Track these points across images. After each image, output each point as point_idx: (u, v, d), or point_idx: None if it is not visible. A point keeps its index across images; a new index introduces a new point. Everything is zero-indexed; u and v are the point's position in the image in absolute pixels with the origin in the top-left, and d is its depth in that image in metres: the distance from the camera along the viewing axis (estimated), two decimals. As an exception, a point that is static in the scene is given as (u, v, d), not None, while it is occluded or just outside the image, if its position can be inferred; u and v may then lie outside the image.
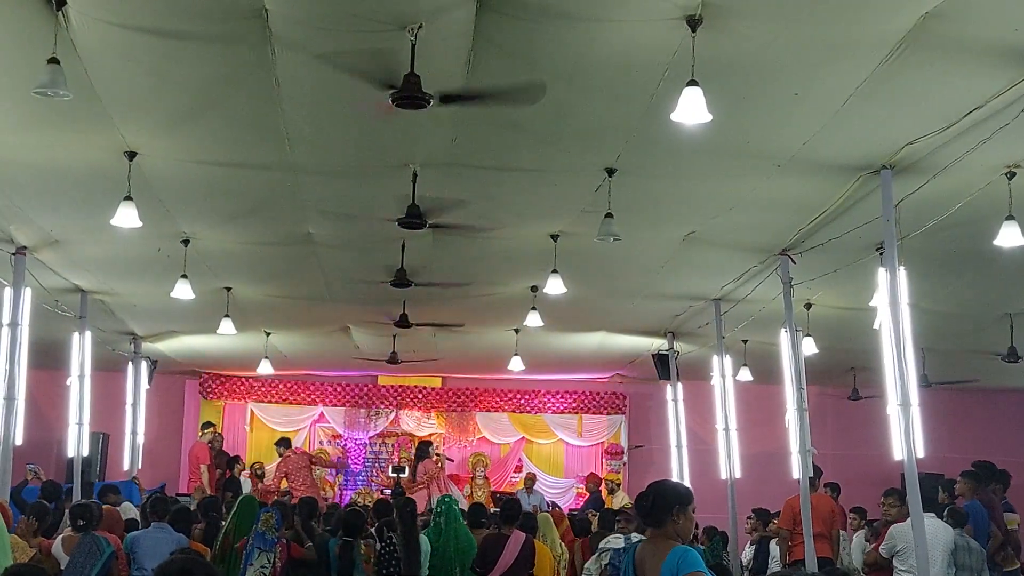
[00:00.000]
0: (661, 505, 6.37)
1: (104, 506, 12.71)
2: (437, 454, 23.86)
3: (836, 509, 15.29)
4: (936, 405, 17.40)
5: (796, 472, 13.65)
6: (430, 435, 25.78)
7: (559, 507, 20.34)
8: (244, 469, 22.10)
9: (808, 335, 16.09)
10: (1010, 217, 10.62)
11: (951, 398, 22.49)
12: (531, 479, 23.28)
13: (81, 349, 17.08)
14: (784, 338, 14.16)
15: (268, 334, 20.47)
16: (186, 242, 13.65)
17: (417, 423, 26.03)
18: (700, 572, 6.13)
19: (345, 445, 25.58)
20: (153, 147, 10.33)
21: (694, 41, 7.49)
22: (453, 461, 24.50)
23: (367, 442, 25.76)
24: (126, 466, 21.34)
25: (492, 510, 18.20)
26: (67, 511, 12.25)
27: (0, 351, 13.89)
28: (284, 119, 9.55)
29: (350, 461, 25.47)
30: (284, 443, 23.34)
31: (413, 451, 24.34)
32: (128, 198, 10.73)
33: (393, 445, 25.75)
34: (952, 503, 13.67)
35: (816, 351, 16.73)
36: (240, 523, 12.42)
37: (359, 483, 25.19)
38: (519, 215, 12.64)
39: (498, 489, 23.88)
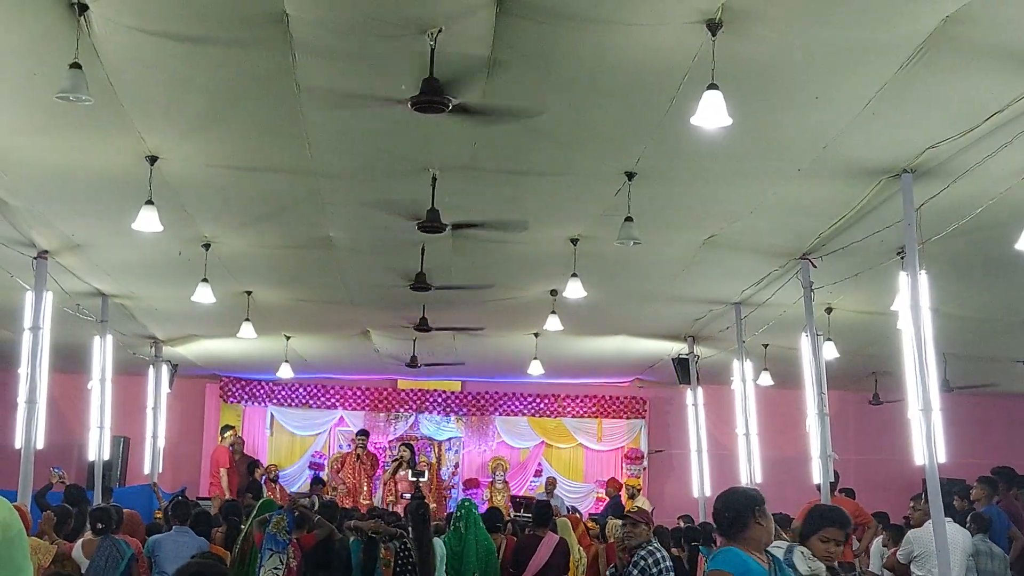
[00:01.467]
0: (738, 512, 6.16)
1: (125, 510, 12.77)
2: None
3: (857, 510, 15.24)
4: (957, 410, 17.33)
5: (816, 477, 13.62)
6: (449, 439, 25.89)
7: (579, 512, 20.34)
8: (264, 473, 22.11)
9: (829, 339, 16.06)
10: (1031, 221, 10.58)
11: (972, 403, 22.42)
12: (551, 483, 23.28)
13: (102, 353, 17.10)
14: (805, 342, 14.13)
15: (288, 338, 20.50)
16: (207, 246, 13.68)
17: (436, 427, 26.06)
18: (717, 570, 6.01)
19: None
20: (174, 151, 10.37)
21: (714, 45, 7.48)
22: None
23: (387, 446, 25.77)
24: (147, 470, 21.39)
25: (512, 515, 18.26)
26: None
27: (22, 355, 13.95)
28: (304, 123, 9.57)
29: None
30: (363, 434, 23.44)
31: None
32: (149, 202, 10.77)
33: (413, 449, 25.76)
34: (971, 508, 13.65)
35: (837, 355, 16.68)
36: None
37: (377, 486, 25.17)
38: (539, 219, 12.64)
39: (517, 494, 23.87)
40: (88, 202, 12.12)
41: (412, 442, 25.08)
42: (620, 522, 12.89)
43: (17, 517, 4.75)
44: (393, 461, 24.25)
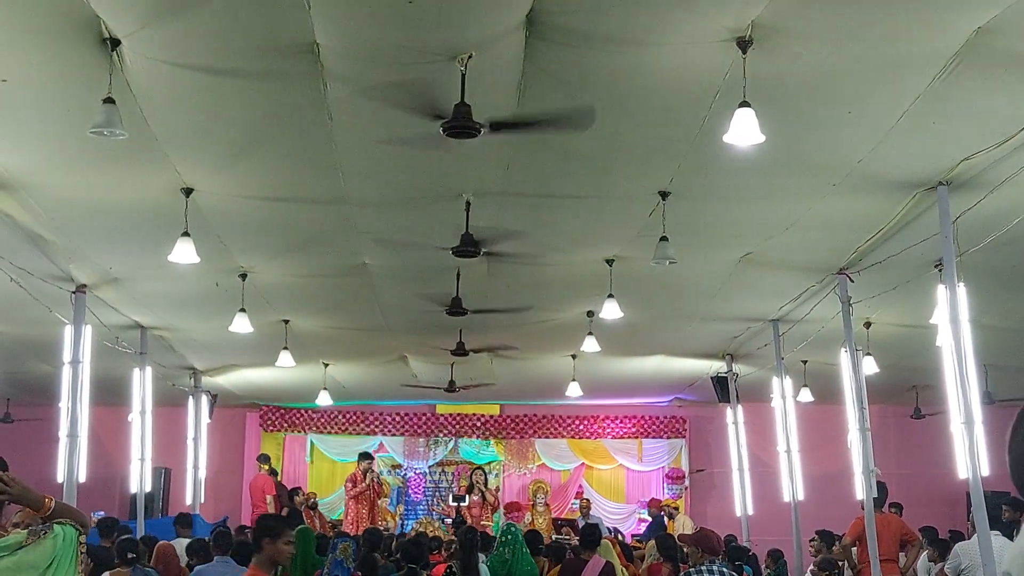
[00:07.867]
0: None
1: (161, 541, 12.77)
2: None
3: (904, 528, 15.11)
4: (1000, 422, 17.08)
5: (860, 493, 13.53)
6: (489, 462, 25.82)
7: (621, 533, 20.23)
8: (303, 501, 22.09)
9: (868, 354, 15.96)
10: (1069, 231, 10.49)
11: (1015, 414, 22.21)
12: (586, 505, 23.16)
13: (142, 385, 17.17)
14: (844, 358, 14.06)
15: (326, 365, 20.55)
16: (243, 276, 13.75)
17: (476, 451, 26.02)
18: None
19: (405, 475, 25.60)
20: (209, 183, 10.43)
21: (745, 62, 7.46)
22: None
23: (427, 471, 25.77)
24: (188, 500, 21.44)
25: (555, 537, 18.20)
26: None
27: (63, 389, 14.02)
28: (337, 152, 9.60)
29: (411, 490, 25.52)
30: (367, 457, 23.07)
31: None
32: (185, 234, 10.83)
33: (453, 474, 25.74)
34: (1020, 520, 13.51)
35: (877, 370, 16.57)
36: (294, 554, 12.41)
37: (420, 513, 25.18)
38: (573, 241, 12.63)
39: (559, 516, 23.76)
40: (125, 235, 12.21)
41: (465, 466, 24.99)
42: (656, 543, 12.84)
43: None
44: (464, 487, 24.02)
